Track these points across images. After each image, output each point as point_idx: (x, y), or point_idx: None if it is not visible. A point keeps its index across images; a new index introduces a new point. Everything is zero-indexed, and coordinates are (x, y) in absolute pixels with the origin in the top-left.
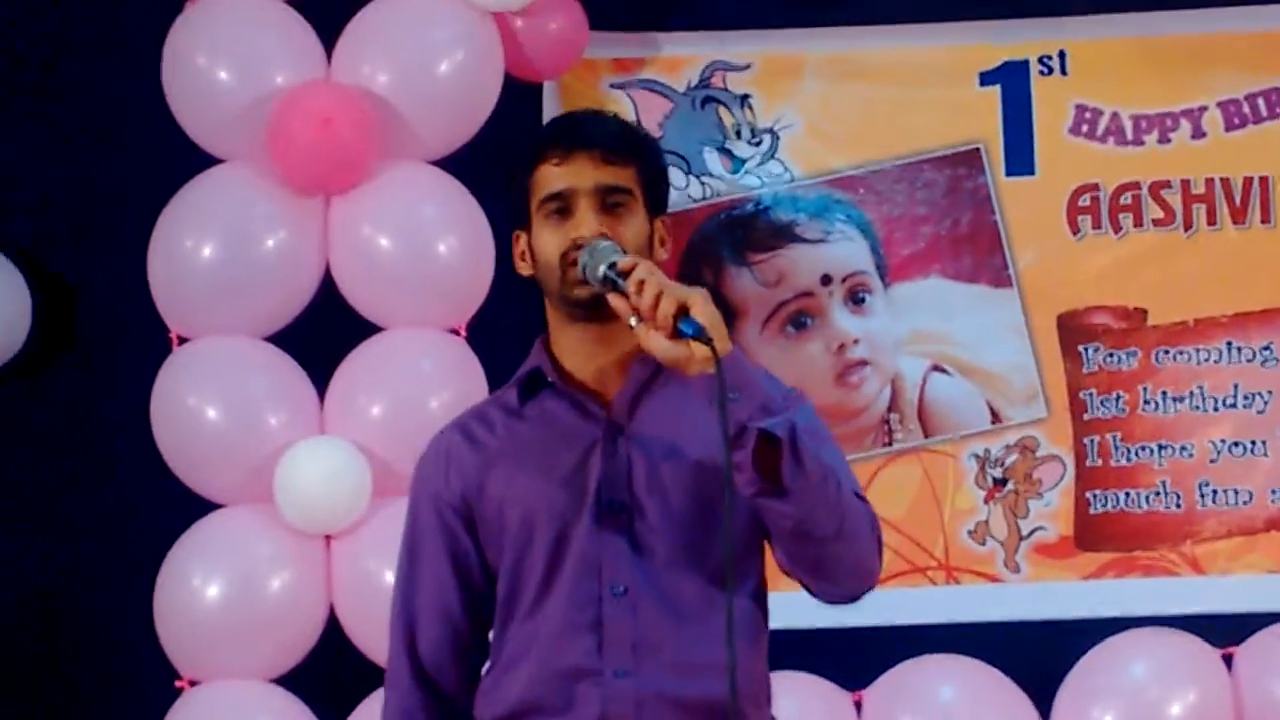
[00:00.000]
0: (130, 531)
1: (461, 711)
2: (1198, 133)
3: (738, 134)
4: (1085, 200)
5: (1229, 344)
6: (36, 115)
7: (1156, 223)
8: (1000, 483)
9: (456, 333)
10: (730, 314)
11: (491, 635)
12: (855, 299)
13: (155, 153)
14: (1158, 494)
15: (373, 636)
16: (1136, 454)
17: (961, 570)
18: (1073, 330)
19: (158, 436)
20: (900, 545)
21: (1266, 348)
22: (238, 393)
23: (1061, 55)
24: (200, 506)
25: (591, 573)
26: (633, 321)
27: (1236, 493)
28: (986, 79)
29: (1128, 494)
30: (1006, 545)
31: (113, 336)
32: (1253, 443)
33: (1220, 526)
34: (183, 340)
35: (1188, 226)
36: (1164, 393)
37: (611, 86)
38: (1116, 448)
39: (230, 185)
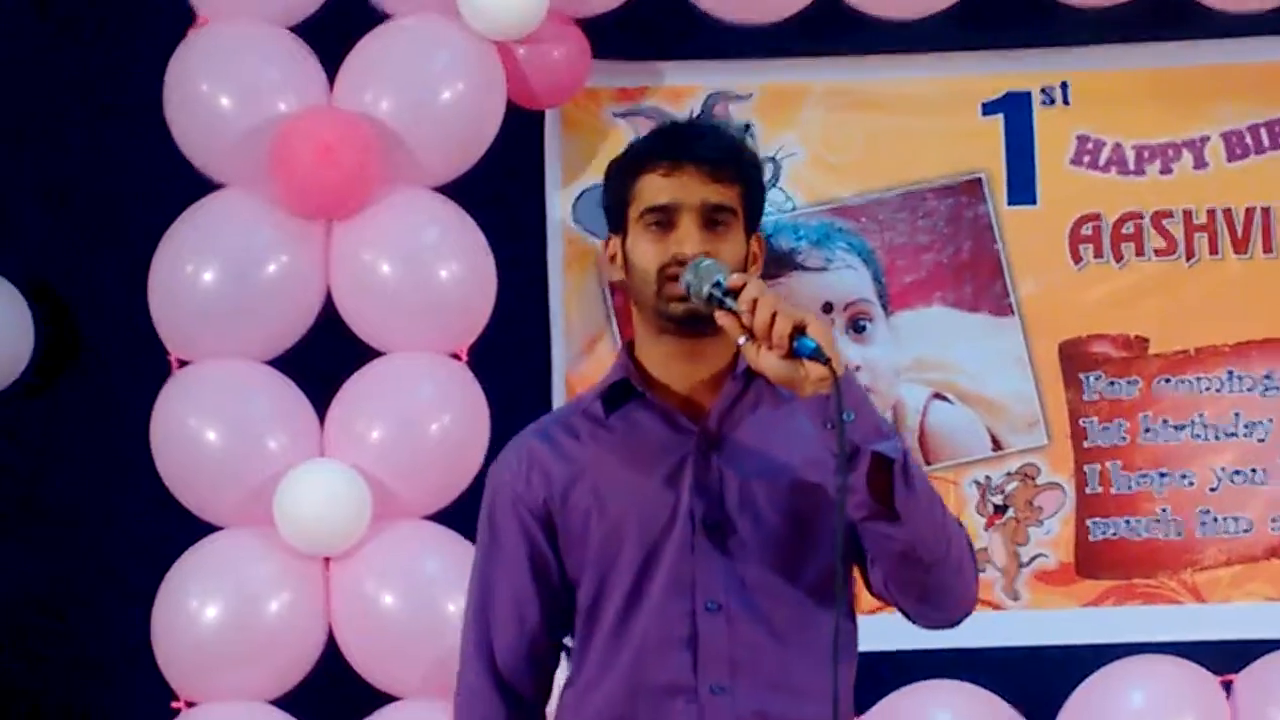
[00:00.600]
0: (129, 552)
1: (539, 719)
2: (1200, 163)
3: None
4: (1087, 229)
5: (1230, 373)
6: (40, 139)
7: (1158, 252)
8: (1001, 509)
9: (457, 357)
10: None
11: (572, 647)
12: (856, 327)
13: (158, 177)
14: (1158, 521)
15: (371, 658)
16: (1137, 482)
17: None
18: (1074, 358)
19: (158, 458)
20: None
21: (1268, 376)
22: (238, 415)
23: (1064, 86)
24: (200, 528)
25: (684, 589)
26: (742, 340)
27: (1237, 520)
28: (989, 109)
29: (1128, 521)
30: (1006, 572)
31: (114, 359)
32: (1253, 470)
33: (1220, 554)
34: (183, 363)
35: (1189, 256)
36: (1165, 421)
37: (614, 115)
38: (1117, 475)
39: (232, 210)
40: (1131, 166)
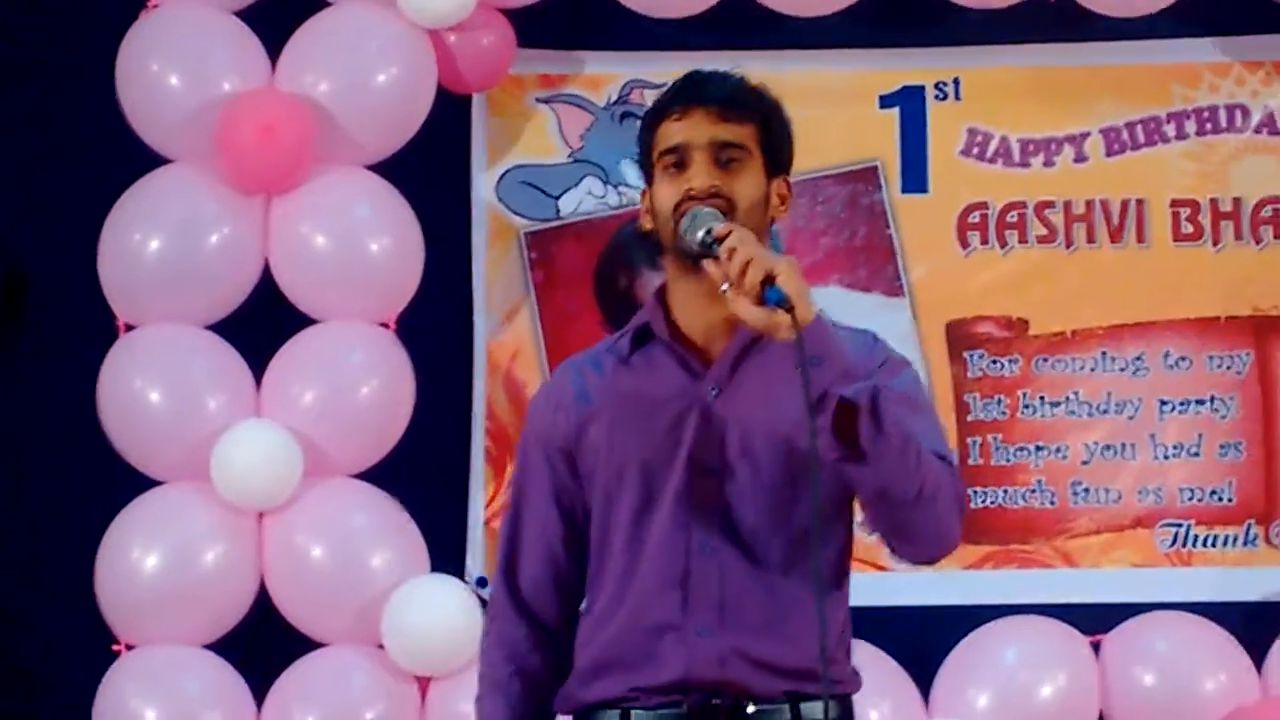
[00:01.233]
0: (74, 505)
1: (562, 644)
2: (1080, 157)
3: None
4: (974, 217)
5: (1104, 354)
6: None
7: (1040, 240)
8: None
9: (386, 326)
10: None
11: (588, 577)
12: None
13: (108, 151)
14: (1034, 491)
15: (300, 607)
16: (1015, 454)
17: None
18: (959, 338)
19: (103, 417)
20: None
21: (1138, 358)
22: (179, 377)
23: (956, 82)
24: (141, 483)
25: (680, 530)
26: (724, 287)
27: (1106, 492)
28: (886, 102)
29: (1006, 491)
30: None
31: (64, 322)
32: (1123, 446)
33: (1091, 523)
34: (129, 327)
35: (1069, 244)
36: (1042, 398)
37: (536, 100)
38: (997, 448)
39: (178, 184)
40: (1017, 159)
